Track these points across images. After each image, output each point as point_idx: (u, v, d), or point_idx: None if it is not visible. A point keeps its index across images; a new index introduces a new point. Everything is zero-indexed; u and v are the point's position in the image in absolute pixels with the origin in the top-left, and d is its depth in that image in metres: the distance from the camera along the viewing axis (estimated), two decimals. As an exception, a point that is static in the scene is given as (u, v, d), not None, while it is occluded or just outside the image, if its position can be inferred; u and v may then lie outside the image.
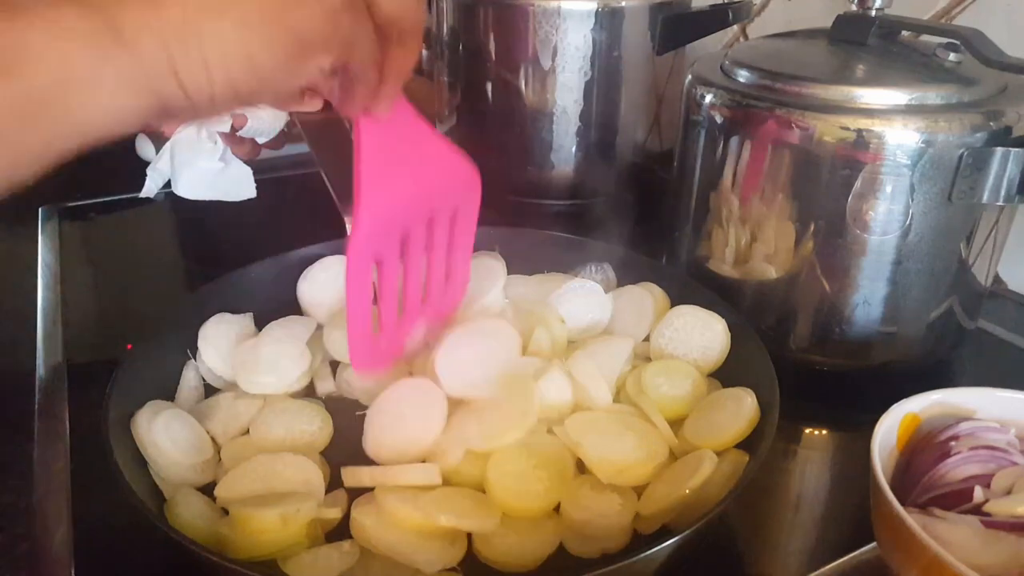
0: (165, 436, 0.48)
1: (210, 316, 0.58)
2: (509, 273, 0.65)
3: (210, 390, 0.57)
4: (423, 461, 0.48)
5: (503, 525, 0.44)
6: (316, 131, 0.75)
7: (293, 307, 0.63)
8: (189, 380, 0.56)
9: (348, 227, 0.65)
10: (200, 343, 0.56)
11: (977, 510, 0.41)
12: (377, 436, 0.50)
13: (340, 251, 0.66)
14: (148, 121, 0.32)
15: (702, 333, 0.57)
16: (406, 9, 0.36)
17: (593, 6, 0.83)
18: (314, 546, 0.43)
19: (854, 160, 0.54)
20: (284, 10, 0.32)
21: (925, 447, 0.45)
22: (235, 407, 0.53)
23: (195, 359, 0.57)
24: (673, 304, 0.60)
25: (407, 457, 0.48)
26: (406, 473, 0.46)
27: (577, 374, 0.53)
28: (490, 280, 0.61)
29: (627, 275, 0.65)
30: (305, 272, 0.64)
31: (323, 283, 0.64)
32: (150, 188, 0.63)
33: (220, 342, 0.57)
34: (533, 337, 0.56)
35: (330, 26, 0.33)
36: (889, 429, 0.45)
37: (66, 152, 0.30)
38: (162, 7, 0.30)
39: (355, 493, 0.47)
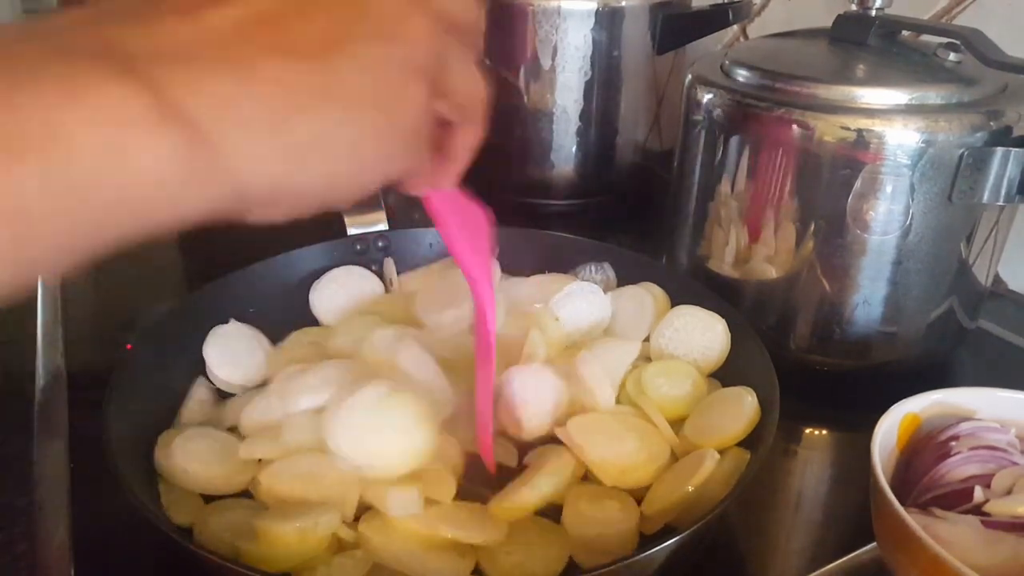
0: (189, 458, 0.47)
1: (211, 317, 0.58)
2: (510, 273, 0.65)
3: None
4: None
5: (509, 542, 0.43)
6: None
7: (293, 306, 0.63)
8: (200, 393, 0.55)
9: (348, 228, 0.66)
10: (209, 361, 0.56)
11: (977, 510, 0.41)
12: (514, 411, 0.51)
13: (338, 250, 0.66)
14: (220, 214, 0.26)
15: (703, 333, 0.57)
16: (475, 90, 0.34)
17: (593, 6, 0.83)
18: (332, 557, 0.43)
19: (854, 160, 0.54)
20: (388, 100, 0.28)
21: (925, 447, 0.45)
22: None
23: (205, 374, 0.56)
24: (673, 304, 0.60)
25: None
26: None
27: (583, 375, 0.52)
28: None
29: (627, 275, 0.65)
30: (315, 284, 0.64)
31: (333, 293, 0.64)
32: None
33: (230, 357, 0.57)
34: (528, 339, 0.56)
35: (423, 120, 0.30)
36: (889, 429, 0.45)
37: (107, 244, 0.24)
38: (252, 83, 0.24)
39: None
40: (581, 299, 0.61)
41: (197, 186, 0.24)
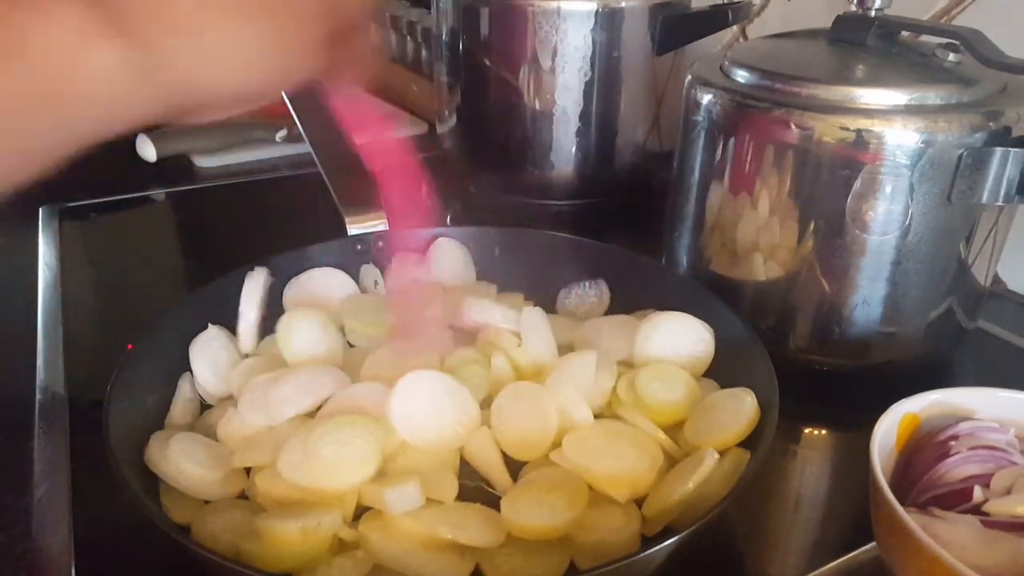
0: (185, 458, 0.47)
1: (211, 317, 0.58)
2: (509, 273, 0.64)
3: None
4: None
5: (510, 544, 0.43)
6: (315, 129, 0.75)
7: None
8: (184, 392, 0.55)
9: (348, 228, 0.66)
10: (193, 363, 0.56)
11: (976, 510, 0.41)
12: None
13: (338, 250, 0.66)
14: (159, 116, 0.32)
15: (695, 343, 0.57)
16: (361, 7, 0.39)
17: (593, 6, 0.83)
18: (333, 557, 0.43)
19: (854, 160, 0.54)
20: (289, 14, 0.33)
21: (924, 447, 0.46)
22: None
23: (191, 372, 0.56)
24: (673, 305, 0.60)
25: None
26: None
27: (560, 399, 0.51)
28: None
29: (626, 276, 0.65)
30: (291, 282, 0.64)
31: (309, 291, 0.64)
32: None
33: (213, 358, 0.57)
34: (492, 366, 0.55)
35: (318, 33, 0.35)
36: (888, 429, 0.45)
37: (73, 145, 0.30)
38: (174, 4, 0.30)
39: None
40: (544, 323, 0.59)
41: (140, 87, 0.30)
